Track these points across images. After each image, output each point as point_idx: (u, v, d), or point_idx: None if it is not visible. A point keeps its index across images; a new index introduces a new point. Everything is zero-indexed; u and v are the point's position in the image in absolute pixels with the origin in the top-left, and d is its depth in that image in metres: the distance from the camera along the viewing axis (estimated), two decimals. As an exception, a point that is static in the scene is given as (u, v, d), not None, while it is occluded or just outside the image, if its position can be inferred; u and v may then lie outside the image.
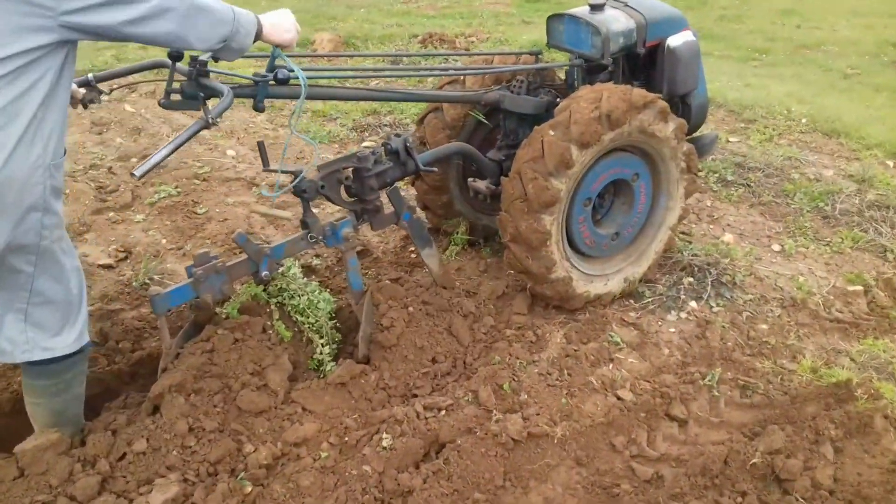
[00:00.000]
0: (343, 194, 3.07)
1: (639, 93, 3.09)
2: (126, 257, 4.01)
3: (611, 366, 3.14)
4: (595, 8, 3.39)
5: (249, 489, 2.48)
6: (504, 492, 2.56)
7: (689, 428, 2.87)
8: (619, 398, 2.95)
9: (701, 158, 3.69)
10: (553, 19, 3.56)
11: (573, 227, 3.29)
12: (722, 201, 4.79)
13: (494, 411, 2.81)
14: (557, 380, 3.02)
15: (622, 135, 3.10)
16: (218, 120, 2.33)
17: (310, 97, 2.77)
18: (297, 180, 2.83)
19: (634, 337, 3.33)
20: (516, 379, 2.99)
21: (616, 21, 3.35)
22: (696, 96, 3.67)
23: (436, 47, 8.33)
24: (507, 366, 3.06)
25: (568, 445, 2.73)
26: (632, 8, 3.44)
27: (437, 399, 2.87)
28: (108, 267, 3.92)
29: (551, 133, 3.01)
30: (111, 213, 4.53)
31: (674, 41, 3.45)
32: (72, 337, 2.43)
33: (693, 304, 3.57)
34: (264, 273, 2.89)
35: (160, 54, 2.65)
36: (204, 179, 4.99)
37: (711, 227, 4.43)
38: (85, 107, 2.71)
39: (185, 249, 4.10)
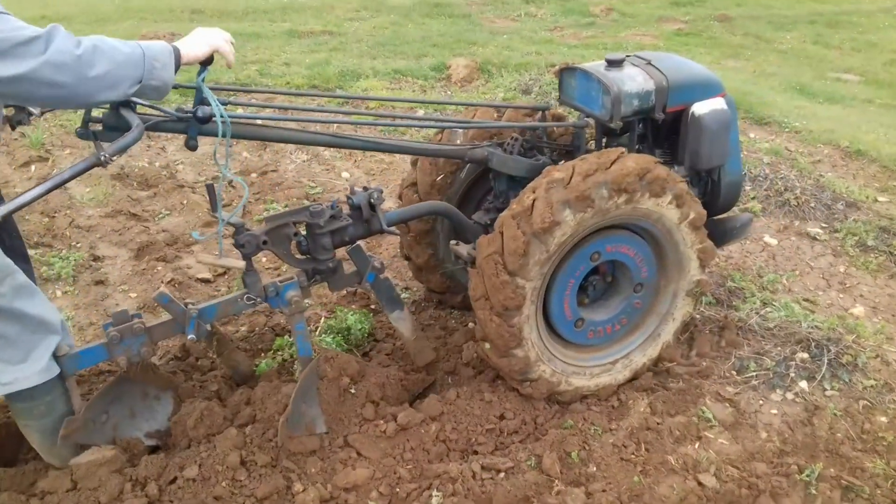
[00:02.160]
0: (294, 251, 2.81)
1: (630, 166, 2.65)
2: (224, 273, 4.10)
3: (697, 445, 2.86)
4: (612, 64, 2.98)
5: (288, 532, 2.41)
6: (556, 573, 2.36)
7: (776, 528, 2.55)
8: (699, 483, 2.67)
9: (729, 243, 3.29)
10: (566, 74, 3.18)
11: (553, 312, 2.92)
12: (858, 268, 4.32)
13: (557, 481, 2.61)
14: (633, 454, 2.77)
15: (603, 216, 2.69)
16: (113, 158, 2.08)
17: (240, 137, 2.50)
18: (237, 233, 2.61)
19: (729, 415, 3.02)
20: (587, 448, 2.77)
21: (632, 81, 2.92)
22: (728, 173, 3.21)
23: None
24: (579, 431, 2.85)
25: (633, 530, 2.49)
26: (654, 67, 2.99)
27: (497, 459, 2.70)
28: (206, 281, 4.02)
29: (512, 222, 2.65)
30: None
31: (699, 108, 3.00)
32: (38, 367, 2.38)
33: (803, 384, 3.20)
34: (190, 337, 2.64)
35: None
36: (314, 200, 5.06)
37: (841, 296, 4.00)
38: (13, 127, 2.51)
39: (281, 270, 4.14)
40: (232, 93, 2.78)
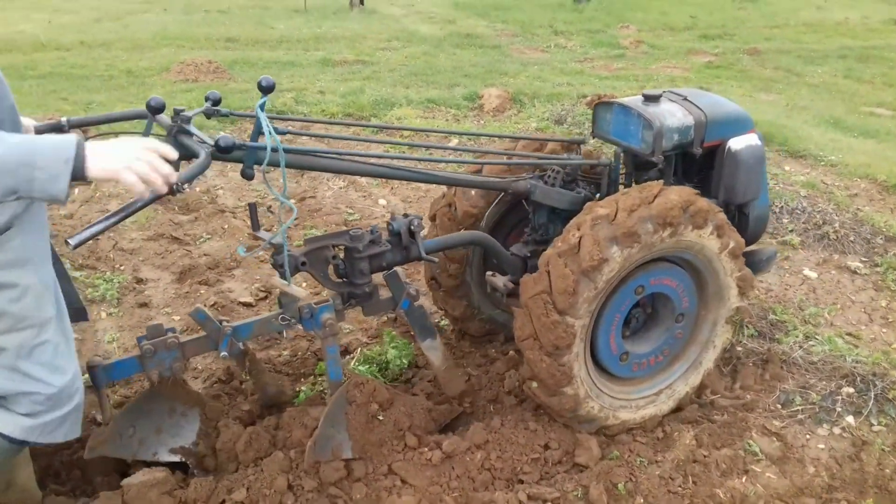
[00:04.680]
0: (331, 274, 2.80)
1: (674, 199, 2.66)
2: (266, 297, 4.15)
3: (744, 479, 2.83)
4: (649, 99, 3.01)
5: (336, 558, 2.41)
6: None
7: (828, 566, 2.51)
8: (748, 518, 2.64)
9: (756, 275, 3.23)
10: (601, 108, 3.20)
11: (599, 348, 2.91)
12: (902, 302, 4.28)
13: (604, 513, 2.59)
14: (680, 486, 2.75)
15: (649, 251, 2.70)
16: (185, 187, 1.91)
17: (292, 167, 2.44)
18: (275, 253, 2.59)
19: (776, 449, 2.99)
20: (633, 479, 2.75)
21: (672, 116, 2.95)
22: (756, 207, 3.24)
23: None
24: (625, 463, 2.83)
25: (682, 564, 2.47)
26: (691, 103, 3.04)
27: (543, 489, 2.69)
28: (248, 305, 4.07)
29: (559, 260, 2.64)
30: (260, 252, 4.71)
31: (736, 143, 3.05)
32: (33, 422, 2.18)
33: (850, 419, 3.16)
34: (223, 354, 2.66)
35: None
36: (352, 226, 5.10)
37: (884, 331, 3.96)
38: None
39: (321, 296, 4.18)
40: (286, 122, 2.74)
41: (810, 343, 3.70)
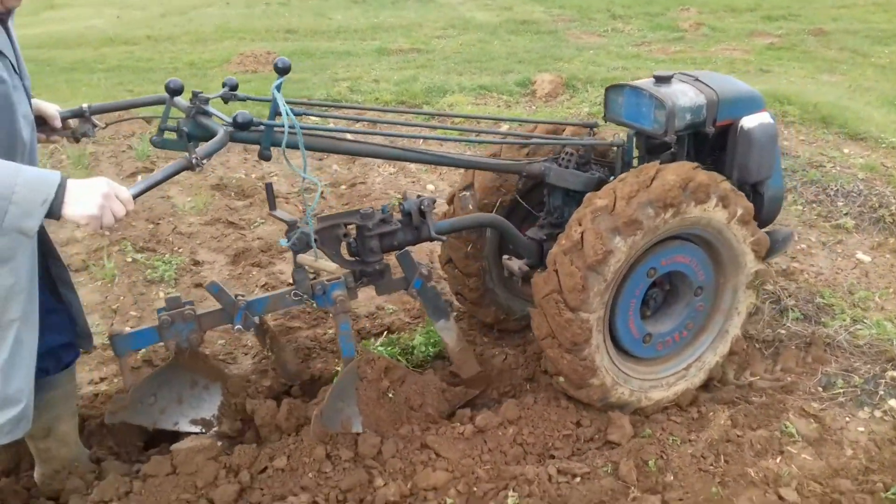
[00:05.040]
0: (344, 252, 2.86)
1: (671, 179, 2.65)
2: (313, 278, 4.28)
3: (779, 459, 2.82)
4: (661, 80, 3.01)
5: (372, 524, 2.51)
6: (629, 578, 2.38)
7: (860, 546, 2.50)
8: (780, 497, 2.63)
9: (771, 256, 3.21)
10: (612, 91, 3.20)
11: (620, 335, 2.95)
12: (955, 284, 4.16)
13: (633, 488, 2.63)
14: (712, 465, 2.76)
15: (654, 234, 2.72)
16: (204, 162, 2.06)
17: (310, 148, 2.51)
18: (289, 230, 2.64)
19: (813, 430, 2.97)
20: (665, 457, 2.78)
21: (684, 95, 2.95)
22: (770, 187, 3.21)
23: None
24: (656, 441, 2.86)
25: (710, 540, 2.49)
26: (702, 83, 3.04)
27: (573, 464, 2.74)
28: (297, 286, 4.20)
29: (564, 258, 2.68)
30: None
31: (748, 122, 3.04)
32: None
33: (893, 402, 3.11)
34: (237, 327, 2.72)
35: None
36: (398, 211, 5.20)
37: (934, 313, 3.86)
38: (77, 140, 2.57)
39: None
40: (308, 107, 2.80)
41: (857, 327, 3.64)
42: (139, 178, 6.08)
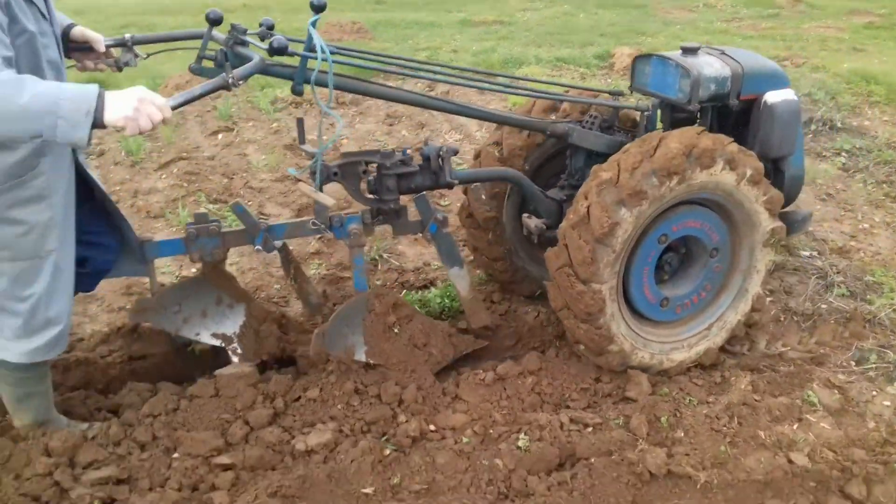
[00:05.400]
0: (363, 189, 2.93)
1: (674, 147, 2.69)
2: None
3: (796, 426, 2.85)
4: (688, 51, 3.07)
5: (388, 452, 2.70)
6: (627, 521, 2.49)
7: (864, 512, 2.52)
8: (790, 461, 2.67)
9: (790, 236, 3.20)
10: (639, 60, 3.24)
11: (636, 301, 3.01)
12: None
13: (641, 441, 2.72)
14: (725, 426, 2.81)
15: (660, 202, 2.76)
16: (240, 83, 2.22)
17: (341, 88, 2.59)
18: (312, 162, 2.73)
19: (836, 401, 2.97)
20: (678, 415, 2.85)
21: (709, 66, 2.99)
22: (791, 164, 3.20)
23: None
24: (672, 399, 2.93)
25: (711, 494, 2.55)
26: (728, 56, 3.08)
27: (586, 415, 2.85)
28: (351, 241, 4.42)
29: (573, 232, 2.76)
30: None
31: (772, 97, 3.06)
32: (27, 348, 2.42)
33: (926, 380, 3.08)
34: (257, 247, 2.86)
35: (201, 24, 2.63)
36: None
37: None
38: (120, 69, 2.63)
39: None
40: (344, 51, 2.88)
41: (904, 306, 3.58)
42: (220, 136, 6.43)
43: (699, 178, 2.76)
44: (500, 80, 3.45)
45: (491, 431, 2.82)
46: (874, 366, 3.17)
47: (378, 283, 3.98)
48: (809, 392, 3.00)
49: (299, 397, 2.91)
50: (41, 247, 2.32)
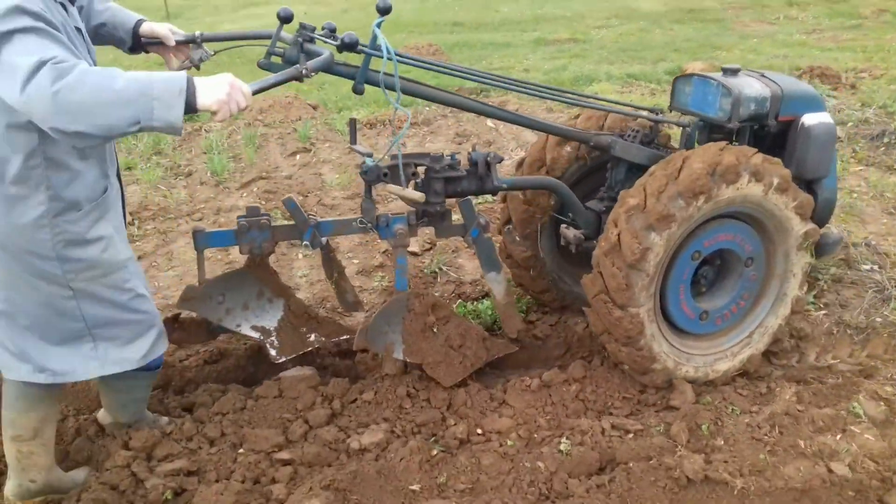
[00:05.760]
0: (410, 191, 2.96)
1: (697, 168, 2.76)
2: (430, 248, 4.69)
3: (839, 437, 2.86)
4: (729, 72, 3.17)
5: (435, 452, 2.87)
6: (663, 525, 2.57)
7: (903, 523, 2.52)
8: (829, 470, 2.70)
9: (819, 258, 3.21)
10: (680, 80, 3.32)
11: (676, 319, 3.09)
12: None
13: (680, 447, 2.80)
14: (766, 435, 2.86)
15: (689, 222, 2.84)
16: (312, 74, 2.36)
17: (403, 90, 2.67)
18: (364, 162, 2.81)
19: (882, 413, 2.97)
20: (719, 423, 2.92)
21: (750, 87, 3.07)
22: (825, 187, 3.23)
23: (811, 81, 7.76)
24: (714, 408, 2.99)
25: (748, 500, 2.60)
26: (768, 78, 3.17)
27: (627, 421, 2.95)
28: (414, 254, 4.63)
29: (606, 259, 2.85)
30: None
31: (810, 119, 3.14)
32: (143, 349, 2.57)
33: (980, 395, 3.03)
34: (305, 243, 2.92)
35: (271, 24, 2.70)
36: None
37: None
38: (197, 67, 2.67)
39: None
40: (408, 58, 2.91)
41: (965, 322, 3.52)
42: (298, 157, 6.78)
43: (726, 194, 2.83)
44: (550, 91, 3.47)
45: (535, 436, 2.95)
46: (927, 379, 3.14)
47: (437, 293, 4.17)
48: (855, 404, 3.01)
49: (355, 399, 3.12)
50: (119, 256, 2.46)
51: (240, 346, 3.60)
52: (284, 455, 2.84)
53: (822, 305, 3.78)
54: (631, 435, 2.90)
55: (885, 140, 5.95)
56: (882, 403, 3.02)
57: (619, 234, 2.82)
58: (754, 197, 2.91)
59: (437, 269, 4.39)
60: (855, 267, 4.12)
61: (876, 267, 4.10)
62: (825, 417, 2.94)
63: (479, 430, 3.00)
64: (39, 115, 1.90)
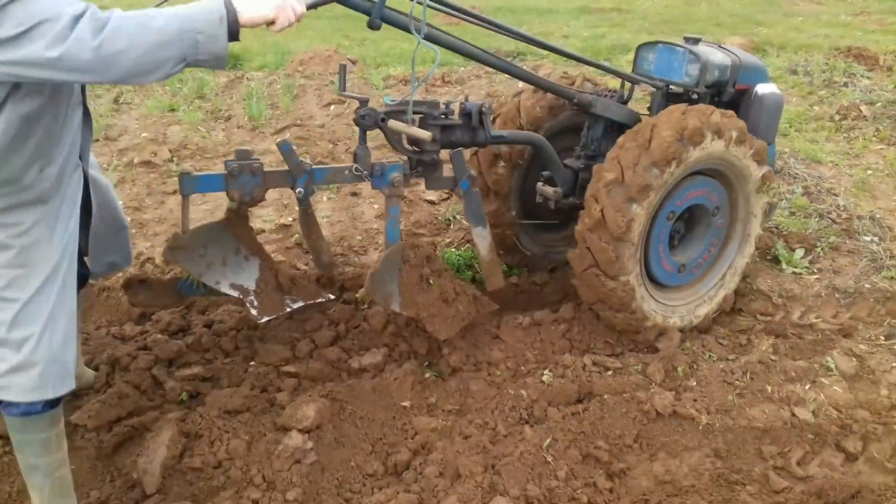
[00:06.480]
0: (403, 140, 2.91)
1: (666, 135, 2.87)
2: (448, 198, 4.91)
3: (808, 387, 3.04)
4: (691, 41, 3.35)
5: (428, 375, 3.11)
6: (629, 451, 2.77)
7: (856, 465, 2.70)
8: (793, 414, 2.88)
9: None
10: (643, 48, 3.47)
11: (658, 276, 3.27)
12: None
13: (654, 385, 3.00)
14: (738, 380, 3.05)
15: (665, 188, 2.99)
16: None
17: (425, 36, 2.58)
18: (360, 106, 2.73)
19: (853, 368, 3.13)
20: (695, 367, 3.11)
21: (714, 55, 3.28)
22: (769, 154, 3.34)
23: (847, 63, 7.72)
24: (692, 353, 3.18)
25: (712, 435, 2.80)
26: (726, 48, 3.39)
27: (608, 359, 3.16)
28: (431, 202, 4.85)
29: (592, 235, 3.00)
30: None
31: (762, 89, 3.36)
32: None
33: (952, 357, 3.17)
34: (298, 190, 2.76)
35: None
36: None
37: None
38: None
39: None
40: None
41: (954, 291, 3.63)
42: (332, 107, 7.02)
43: (694, 155, 2.97)
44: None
45: (522, 368, 3.18)
46: (904, 341, 3.29)
47: (448, 241, 4.39)
48: (829, 358, 3.17)
49: (359, 325, 3.37)
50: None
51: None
52: (290, 369, 3.12)
53: (815, 270, 3.92)
54: (610, 372, 3.11)
55: (910, 121, 5.97)
56: (854, 359, 3.18)
57: (602, 210, 2.94)
58: (718, 152, 3.06)
59: (451, 218, 4.60)
60: (855, 237, 4.24)
61: (876, 239, 4.21)
62: (797, 368, 3.11)
63: (471, 361, 3.23)
64: (78, 69, 1.73)
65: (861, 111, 6.24)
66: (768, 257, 4.05)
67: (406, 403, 2.96)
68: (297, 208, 2.86)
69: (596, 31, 9.74)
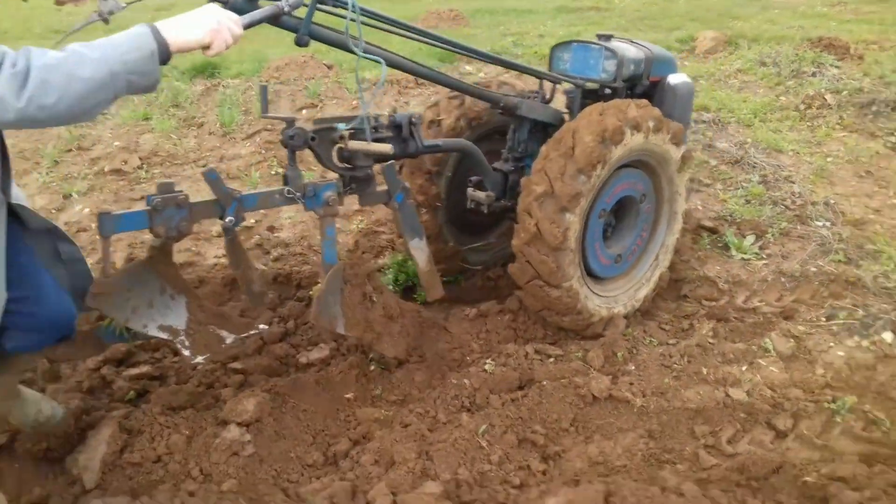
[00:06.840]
0: (334, 158, 2.80)
1: (588, 140, 2.91)
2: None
3: (745, 368, 3.09)
4: (603, 38, 3.41)
5: (373, 368, 3.17)
6: (566, 434, 2.83)
7: (784, 441, 2.75)
8: (727, 395, 2.94)
9: None
10: (558, 48, 3.53)
11: (597, 271, 3.31)
12: None
13: (594, 370, 3.06)
14: (675, 363, 3.10)
15: (595, 190, 3.03)
16: (293, 11, 2.30)
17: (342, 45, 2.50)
18: (287, 127, 2.62)
19: (789, 349, 3.18)
20: (634, 352, 3.16)
21: (628, 50, 3.36)
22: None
23: (816, 53, 7.76)
24: (632, 338, 3.24)
25: (646, 417, 2.86)
26: (637, 43, 3.48)
27: (549, 347, 3.22)
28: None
29: (530, 249, 3.02)
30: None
31: (674, 79, 3.49)
32: None
33: (888, 335, 3.22)
34: (228, 219, 2.56)
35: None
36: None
37: None
38: (106, 22, 2.18)
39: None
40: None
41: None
42: (304, 111, 7.09)
43: (617, 154, 3.01)
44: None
45: (467, 358, 3.23)
46: (842, 322, 3.33)
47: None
48: (767, 340, 3.22)
49: (307, 322, 3.43)
50: None
51: (216, 276, 3.94)
52: (237, 365, 3.18)
53: (764, 256, 3.98)
54: (552, 359, 3.16)
55: (874, 109, 6.02)
56: (792, 340, 3.23)
57: (536, 224, 2.97)
58: (638, 145, 3.11)
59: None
60: (807, 223, 4.29)
61: (828, 223, 4.26)
62: (735, 351, 3.17)
63: (419, 352, 3.28)
64: (2, 126, 1.70)
65: (826, 100, 6.29)
66: (719, 245, 4.11)
67: (349, 395, 3.03)
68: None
69: (572, 30, 9.80)
